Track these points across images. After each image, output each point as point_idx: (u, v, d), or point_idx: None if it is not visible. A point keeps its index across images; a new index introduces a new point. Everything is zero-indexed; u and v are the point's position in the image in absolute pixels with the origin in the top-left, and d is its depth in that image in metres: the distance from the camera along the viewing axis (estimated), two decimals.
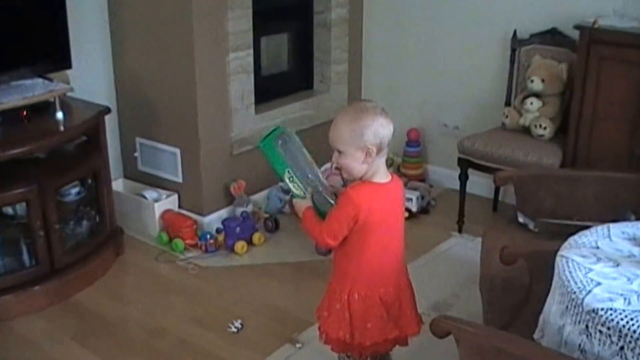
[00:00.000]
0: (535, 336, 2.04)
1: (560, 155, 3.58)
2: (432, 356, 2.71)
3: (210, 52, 3.61)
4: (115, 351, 2.95)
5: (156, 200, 3.81)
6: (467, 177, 3.82)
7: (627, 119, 3.38)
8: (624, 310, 1.73)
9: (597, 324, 1.76)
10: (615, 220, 2.79)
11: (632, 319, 1.70)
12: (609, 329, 1.73)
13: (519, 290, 2.45)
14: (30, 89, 3.27)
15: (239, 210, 3.85)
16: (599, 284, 1.85)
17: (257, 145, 2.32)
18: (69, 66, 3.47)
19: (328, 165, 3.91)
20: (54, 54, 3.44)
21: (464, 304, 3.16)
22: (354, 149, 2.14)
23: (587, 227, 2.73)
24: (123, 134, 4.02)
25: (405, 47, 4.48)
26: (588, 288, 1.84)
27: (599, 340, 1.76)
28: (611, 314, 1.74)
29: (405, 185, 4.05)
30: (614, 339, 1.73)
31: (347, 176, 2.22)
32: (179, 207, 3.87)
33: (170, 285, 3.44)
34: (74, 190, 3.37)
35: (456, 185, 3.91)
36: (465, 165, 3.80)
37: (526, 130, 3.76)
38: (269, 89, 4.14)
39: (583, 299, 1.80)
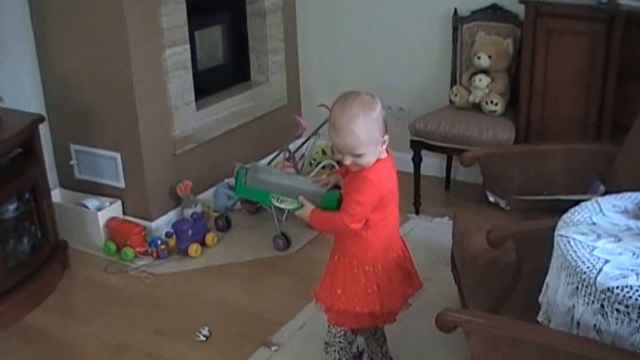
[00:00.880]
0: (540, 319, 1.98)
1: (514, 129, 3.57)
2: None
3: (146, 49, 3.40)
4: None
5: (99, 209, 3.58)
6: (420, 159, 3.77)
7: (578, 89, 3.40)
8: (639, 287, 1.69)
9: (614, 303, 1.70)
10: (584, 192, 2.81)
11: None
12: (626, 306, 1.68)
13: (506, 271, 2.40)
14: None
15: (188, 211, 3.67)
16: (607, 261, 1.80)
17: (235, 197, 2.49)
18: None
19: (281, 156, 3.82)
20: None
21: (437, 287, 3.09)
22: (373, 146, 2.15)
23: (559, 201, 2.75)
24: (56, 142, 3.75)
25: (343, 31, 4.37)
26: (598, 266, 1.78)
27: (616, 318, 1.71)
28: (627, 292, 1.68)
29: None
30: (633, 316, 1.68)
31: (361, 167, 2.19)
32: (124, 213, 3.66)
33: (125, 297, 3.24)
34: (12, 207, 3.12)
35: (407, 167, 3.82)
36: (418, 147, 3.74)
37: (476, 107, 3.73)
38: (208, 84, 3.95)
39: (595, 278, 1.75)
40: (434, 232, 3.61)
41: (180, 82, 3.60)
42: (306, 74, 4.60)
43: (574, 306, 1.83)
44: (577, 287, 1.81)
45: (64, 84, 3.59)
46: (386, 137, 2.18)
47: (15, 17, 3.49)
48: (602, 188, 2.75)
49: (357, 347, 2.69)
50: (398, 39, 4.19)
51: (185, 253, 3.52)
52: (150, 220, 3.63)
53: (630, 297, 1.67)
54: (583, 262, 1.81)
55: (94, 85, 3.50)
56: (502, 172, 2.87)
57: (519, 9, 3.63)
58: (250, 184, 2.38)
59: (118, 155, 3.55)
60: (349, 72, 4.42)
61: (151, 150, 3.54)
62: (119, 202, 3.64)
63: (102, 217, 3.55)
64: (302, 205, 2.29)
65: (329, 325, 2.45)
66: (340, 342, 2.44)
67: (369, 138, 2.11)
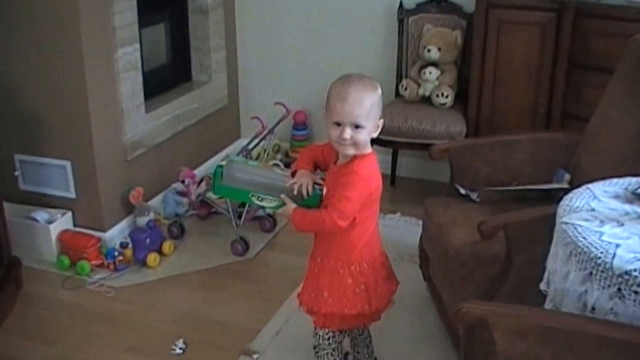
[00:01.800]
0: (547, 307, 2.02)
1: (464, 121, 3.63)
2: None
3: (99, 49, 3.24)
4: None
5: (50, 222, 3.38)
6: None
7: (528, 80, 3.49)
8: None
9: (632, 285, 1.75)
10: (548, 181, 2.89)
11: None
12: None
13: (493, 262, 2.43)
14: None
15: (141, 220, 3.53)
16: (618, 245, 1.85)
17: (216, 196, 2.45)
18: None
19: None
20: None
21: (404, 284, 3.07)
22: (373, 122, 2.13)
23: (528, 191, 2.82)
24: None
25: (284, 27, 4.32)
26: (612, 251, 1.82)
27: (634, 301, 1.76)
28: None
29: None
30: None
31: (353, 151, 2.15)
32: (74, 225, 3.48)
33: (88, 314, 3.08)
34: None
35: None
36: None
37: (426, 100, 3.77)
38: (154, 85, 3.80)
39: (611, 263, 1.79)
40: (390, 229, 3.55)
41: (130, 84, 3.46)
42: (246, 73, 4.52)
43: (586, 291, 1.87)
44: (591, 273, 1.85)
45: (5, 90, 3.36)
46: (381, 122, 2.17)
47: None
48: (567, 176, 2.83)
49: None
50: (342, 34, 4.17)
51: (143, 263, 3.39)
52: (104, 230, 3.47)
53: None
54: (595, 247, 1.85)
55: (41, 90, 3.29)
56: (470, 165, 2.92)
57: (464, 1, 3.70)
58: (229, 183, 2.24)
59: (68, 164, 3.37)
60: (292, 68, 4.38)
61: (103, 157, 3.38)
62: (69, 214, 3.46)
63: (54, 230, 3.36)
64: (284, 203, 2.22)
65: (315, 329, 2.41)
66: (330, 344, 2.41)
67: (373, 111, 2.10)
